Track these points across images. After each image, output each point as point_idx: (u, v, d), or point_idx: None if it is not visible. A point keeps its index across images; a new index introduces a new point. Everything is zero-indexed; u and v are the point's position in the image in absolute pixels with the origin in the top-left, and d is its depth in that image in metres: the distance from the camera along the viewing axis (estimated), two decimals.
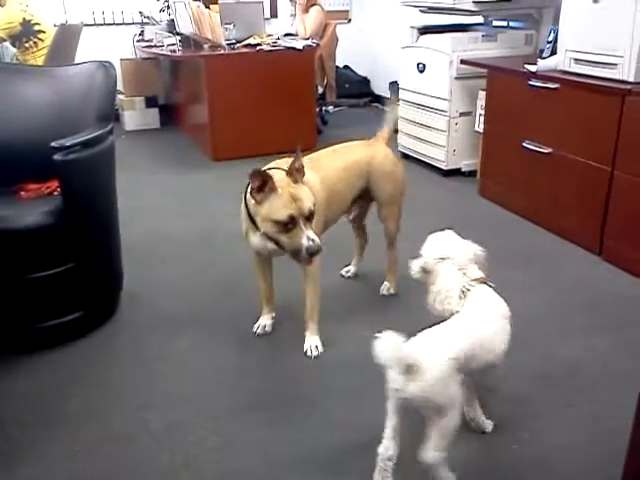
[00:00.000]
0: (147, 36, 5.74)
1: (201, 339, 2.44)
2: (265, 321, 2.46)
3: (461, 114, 4.19)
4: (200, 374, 2.23)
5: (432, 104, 4.30)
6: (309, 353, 2.29)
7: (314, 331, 2.33)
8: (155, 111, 6.09)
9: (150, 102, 6.06)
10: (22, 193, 2.51)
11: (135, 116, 6.05)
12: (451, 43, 4.05)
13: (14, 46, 4.78)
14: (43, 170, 2.42)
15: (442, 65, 4.12)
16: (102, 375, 2.23)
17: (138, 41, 5.85)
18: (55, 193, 2.45)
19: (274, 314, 2.48)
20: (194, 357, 2.33)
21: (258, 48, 4.84)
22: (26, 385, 2.18)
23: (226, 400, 2.08)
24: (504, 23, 4.38)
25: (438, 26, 4.42)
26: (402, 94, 4.71)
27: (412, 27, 4.45)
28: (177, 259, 3.17)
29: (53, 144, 2.18)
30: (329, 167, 2.36)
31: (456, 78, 4.07)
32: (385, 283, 2.73)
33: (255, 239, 2.18)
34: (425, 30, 4.41)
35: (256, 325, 2.46)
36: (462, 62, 3.98)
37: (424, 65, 4.33)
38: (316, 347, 2.30)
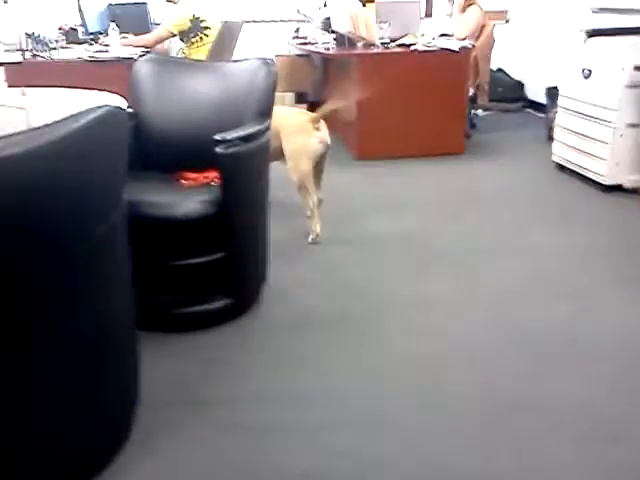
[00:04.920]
0: (302, 33, 5.86)
1: (339, 339, 2.43)
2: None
3: (629, 125, 3.85)
4: (334, 377, 2.21)
5: (596, 113, 3.99)
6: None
7: None
8: (304, 107, 6.20)
9: (300, 98, 6.19)
10: (183, 181, 2.63)
11: None
12: (624, 47, 3.74)
13: (182, 41, 5.07)
14: (202, 160, 2.52)
15: (612, 72, 3.81)
16: (242, 364, 2.29)
17: (294, 38, 6.00)
18: (213, 183, 2.54)
19: None
20: (331, 357, 2.32)
21: (412, 48, 4.77)
22: (171, 365, 2.27)
23: (357, 407, 2.04)
24: None
25: (609, 29, 4.10)
26: (562, 101, 4.42)
27: (581, 30, 4.16)
28: (317, 254, 3.20)
29: (216, 137, 2.26)
30: None
31: (628, 86, 3.75)
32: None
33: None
34: (594, 33, 4.11)
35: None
36: (636, 68, 3.65)
37: (590, 71, 4.03)
38: None
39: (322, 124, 3.27)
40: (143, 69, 2.84)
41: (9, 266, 1.32)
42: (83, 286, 1.53)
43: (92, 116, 1.41)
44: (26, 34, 3.96)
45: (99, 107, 1.45)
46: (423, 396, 2.08)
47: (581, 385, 2.12)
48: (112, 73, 3.96)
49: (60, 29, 4.93)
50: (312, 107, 6.30)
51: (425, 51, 4.75)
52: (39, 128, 1.35)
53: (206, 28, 5.00)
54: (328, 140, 3.27)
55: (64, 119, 1.38)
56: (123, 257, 1.77)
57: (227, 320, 2.51)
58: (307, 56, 6.08)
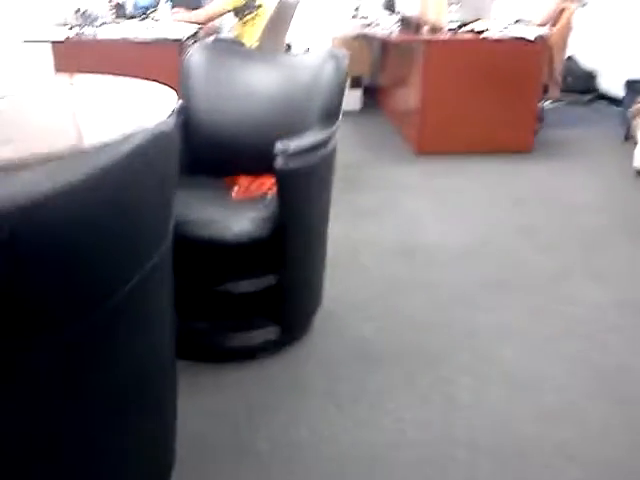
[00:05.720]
0: (362, 13, 5.49)
1: (400, 381, 2.14)
2: None
3: None
4: (395, 431, 1.91)
5: None
6: None
7: None
8: (358, 92, 5.85)
9: (354, 82, 5.83)
10: (235, 189, 2.36)
11: None
12: None
13: (236, 16, 4.79)
14: (257, 165, 2.26)
15: None
16: (294, 407, 2.01)
17: (353, 17, 5.63)
18: (268, 194, 2.26)
19: None
20: (390, 405, 2.02)
21: (483, 35, 4.36)
22: (206, 402, 2.01)
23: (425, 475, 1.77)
24: None
25: None
26: None
27: None
28: (370, 270, 2.89)
29: (277, 148, 1.95)
30: None
31: None
32: None
33: None
34: None
35: None
36: None
37: None
38: None
39: None
40: (196, 59, 2.54)
41: (46, 320, 1.07)
42: (115, 336, 1.27)
43: (136, 144, 1.13)
44: (75, 11, 3.72)
45: (144, 131, 1.17)
46: (501, 464, 1.79)
47: None
48: (159, 53, 3.72)
49: (110, 1, 4.70)
50: (366, 92, 5.95)
51: (497, 40, 4.34)
52: (75, 158, 1.09)
53: (259, 7, 4.71)
54: None
55: (103, 147, 1.11)
56: (166, 295, 1.51)
57: (274, 350, 2.25)
58: (364, 38, 5.71)
